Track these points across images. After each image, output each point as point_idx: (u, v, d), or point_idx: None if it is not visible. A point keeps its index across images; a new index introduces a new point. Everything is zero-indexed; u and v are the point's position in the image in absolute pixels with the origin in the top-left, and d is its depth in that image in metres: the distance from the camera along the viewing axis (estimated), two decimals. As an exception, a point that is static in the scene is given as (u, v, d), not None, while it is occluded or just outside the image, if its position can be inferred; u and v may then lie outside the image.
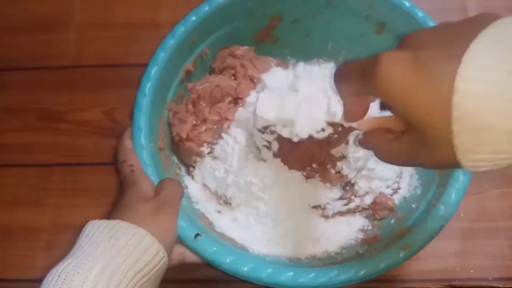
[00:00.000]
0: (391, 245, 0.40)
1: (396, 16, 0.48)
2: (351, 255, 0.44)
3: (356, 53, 0.54)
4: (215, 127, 0.49)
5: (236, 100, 0.50)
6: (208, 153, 0.49)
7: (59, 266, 0.31)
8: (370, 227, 0.47)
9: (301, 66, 0.53)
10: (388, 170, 0.48)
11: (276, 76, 0.50)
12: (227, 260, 0.39)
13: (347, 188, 0.48)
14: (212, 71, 0.52)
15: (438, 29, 0.25)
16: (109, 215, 0.37)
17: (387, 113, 0.31)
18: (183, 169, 0.50)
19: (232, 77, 0.51)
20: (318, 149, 0.45)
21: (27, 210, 0.53)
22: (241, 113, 0.49)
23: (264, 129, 0.45)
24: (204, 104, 0.49)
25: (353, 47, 0.53)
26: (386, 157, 0.28)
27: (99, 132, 0.56)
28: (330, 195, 0.47)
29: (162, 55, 0.46)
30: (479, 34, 0.22)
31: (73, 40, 0.61)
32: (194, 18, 0.47)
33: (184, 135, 0.48)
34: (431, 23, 0.46)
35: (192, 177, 0.50)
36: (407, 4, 0.47)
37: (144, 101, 0.44)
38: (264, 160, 0.47)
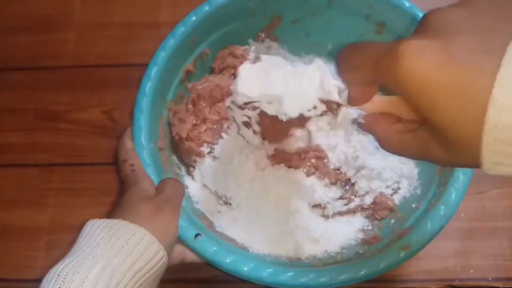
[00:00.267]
0: (391, 245, 0.40)
1: (396, 16, 0.48)
2: (351, 255, 0.44)
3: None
4: (215, 127, 0.49)
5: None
6: (208, 153, 0.49)
7: (59, 265, 0.31)
8: (370, 227, 0.47)
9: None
10: (388, 170, 0.48)
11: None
12: (227, 260, 0.39)
13: (347, 187, 0.48)
14: (212, 71, 0.52)
15: (469, 8, 0.21)
16: (109, 215, 0.37)
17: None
18: (183, 169, 0.50)
19: (232, 77, 0.51)
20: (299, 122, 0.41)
21: (27, 210, 0.53)
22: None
23: (245, 105, 0.40)
24: (204, 104, 0.49)
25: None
26: (392, 147, 0.26)
27: (99, 132, 0.56)
28: (330, 194, 0.47)
29: (162, 55, 0.46)
30: None
31: (73, 40, 0.61)
32: (194, 18, 0.47)
33: (184, 135, 0.48)
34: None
35: (192, 177, 0.50)
36: (407, 4, 0.47)
37: (144, 101, 0.44)
38: (246, 140, 0.44)
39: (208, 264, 0.40)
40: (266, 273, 0.38)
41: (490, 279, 0.48)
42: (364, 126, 0.27)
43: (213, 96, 0.49)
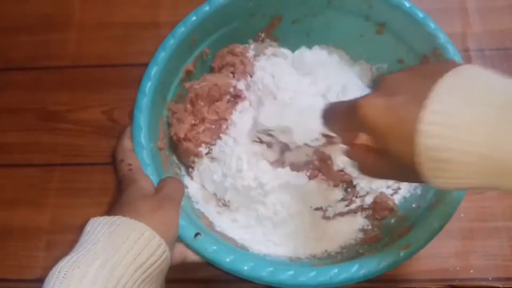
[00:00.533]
0: (391, 245, 0.40)
1: (396, 17, 0.48)
2: (351, 254, 0.44)
3: (356, 53, 0.54)
4: (213, 127, 0.49)
5: (235, 98, 0.50)
6: (206, 153, 0.49)
7: (60, 263, 0.31)
8: (370, 227, 0.47)
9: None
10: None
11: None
12: (227, 259, 0.39)
13: (349, 189, 0.48)
14: (212, 71, 0.52)
15: (407, 74, 0.30)
16: (109, 213, 0.37)
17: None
18: (183, 169, 0.50)
19: (231, 74, 0.51)
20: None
21: (27, 210, 0.53)
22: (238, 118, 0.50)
23: (262, 132, 0.47)
24: (202, 103, 0.49)
25: (353, 47, 0.53)
26: (369, 171, 0.33)
27: (99, 132, 0.56)
28: (332, 196, 0.47)
29: (162, 55, 0.46)
30: (439, 82, 0.26)
31: (73, 40, 0.61)
32: (194, 18, 0.47)
33: (182, 135, 0.48)
34: (431, 24, 0.46)
35: (191, 178, 0.50)
36: (407, 4, 0.47)
37: (144, 101, 0.44)
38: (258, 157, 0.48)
39: (208, 264, 0.40)
40: (266, 272, 0.38)
41: (490, 279, 0.48)
42: (349, 154, 0.35)
43: (211, 95, 0.49)
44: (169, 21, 0.59)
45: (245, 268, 0.39)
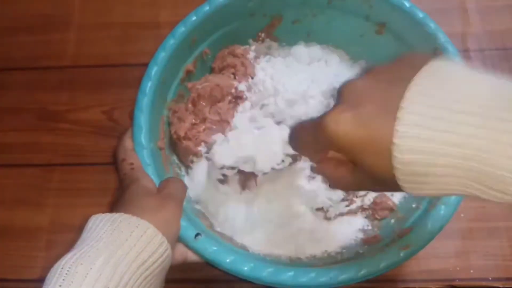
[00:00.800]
0: (391, 245, 0.40)
1: (396, 17, 0.48)
2: (351, 255, 0.44)
3: (356, 53, 0.54)
4: (214, 127, 0.49)
5: (236, 99, 0.50)
6: (205, 152, 0.49)
7: (62, 259, 0.31)
8: (370, 227, 0.47)
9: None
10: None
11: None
12: (228, 260, 0.39)
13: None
14: (212, 71, 0.52)
15: (370, 79, 0.27)
16: (111, 210, 0.37)
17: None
18: (183, 169, 0.50)
19: (232, 76, 0.51)
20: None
21: (27, 210, 0.53)
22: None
23: (222, 167, 0.46)
24: (204, 104, 0.49)
25: (353, 47, 0.53)
26: (337, 185, 0.32)
27: (99, 132, 0.56)
28: (333, 197, 0.47)
29: (162, 55, 0.46)
30: (409, 89, 0.24)
31: (73, 40, 0.61)
32: (194, 18, 0.47)
33: (182, 134, 0.47)
34: (431, 24, 0.46)
35: (191, 178, 0.50)
36: (407, 4, 0.47)
37: (145, 101, 0.44)
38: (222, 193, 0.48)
39: (208, 264, 0.40)
40: (266, 273, 0.38)
41: (490, 279, 0.48)
42: (316, 170, 0.33)
43: (213, 96, 0.49)
44: (169, 21, 0.59)
45: (245, 268, 0.39)
